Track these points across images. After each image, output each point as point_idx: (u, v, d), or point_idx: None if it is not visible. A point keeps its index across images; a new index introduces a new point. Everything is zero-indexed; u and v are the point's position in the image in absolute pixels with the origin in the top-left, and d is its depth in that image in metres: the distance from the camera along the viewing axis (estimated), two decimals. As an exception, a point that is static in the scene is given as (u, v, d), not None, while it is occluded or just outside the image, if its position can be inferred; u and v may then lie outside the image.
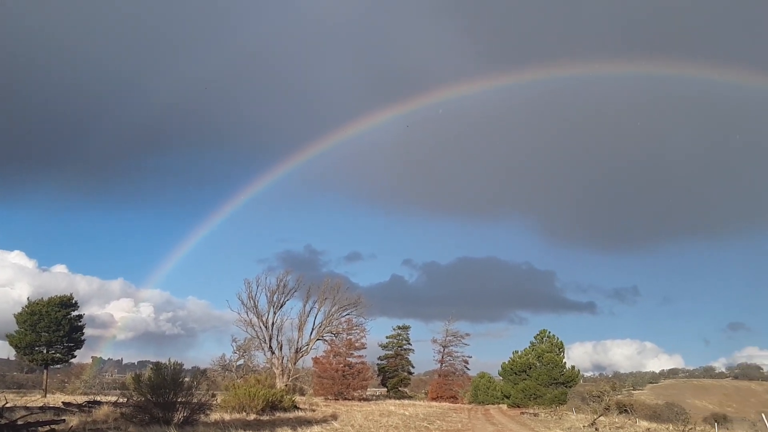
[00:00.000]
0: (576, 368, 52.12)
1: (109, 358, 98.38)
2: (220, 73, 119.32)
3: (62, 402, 31.56)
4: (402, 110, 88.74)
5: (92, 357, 69.76)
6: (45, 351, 45.28)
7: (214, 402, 26.50)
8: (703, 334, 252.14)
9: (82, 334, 47.85)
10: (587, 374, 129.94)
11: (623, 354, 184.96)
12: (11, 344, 45.36)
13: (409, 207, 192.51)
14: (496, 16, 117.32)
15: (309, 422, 24.33)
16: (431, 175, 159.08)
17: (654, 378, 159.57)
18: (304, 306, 58.14)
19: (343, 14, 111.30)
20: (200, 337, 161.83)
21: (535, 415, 40.01)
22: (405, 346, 76.54)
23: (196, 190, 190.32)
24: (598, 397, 41.95)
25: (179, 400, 20.78)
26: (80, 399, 35.84)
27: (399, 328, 77.44)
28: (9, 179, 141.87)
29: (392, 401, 55.86)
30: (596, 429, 27.28)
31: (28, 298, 46.56)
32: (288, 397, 34.79)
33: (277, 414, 29.11)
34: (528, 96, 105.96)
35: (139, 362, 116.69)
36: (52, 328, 44.77)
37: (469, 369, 71.66)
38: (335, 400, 52.52)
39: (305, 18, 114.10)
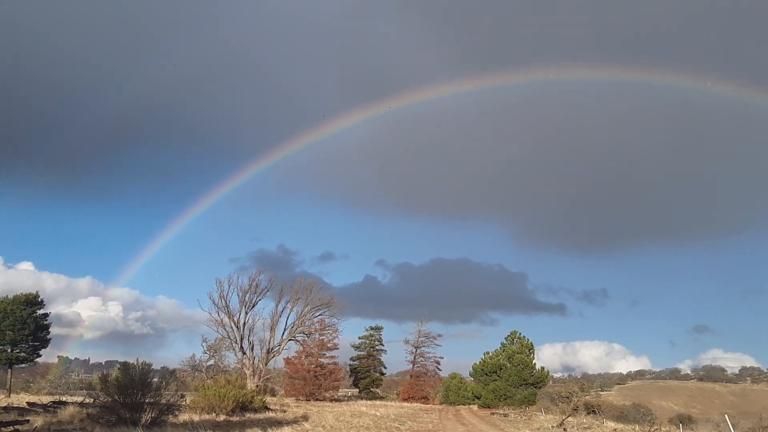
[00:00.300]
0: (545, 369, 52.82)
1: (75, 358, 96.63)
2: (194, 70, 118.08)
3: (27, 402, 30.96)
4: (378, 111, 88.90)
5: (58, 356, 68.59)
6: (9, 350, 44.34)
7: (183, 403, 26.21)
8: (669, 336, 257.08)
9: (48, 333, 46.93)
10: (556, 375, 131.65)
11: (592, 355, 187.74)
12: (-26, 343, 44.30)
13: (383, 207, 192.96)
14: (473, 19, 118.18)
15: (279, 423, 24.22)
16: (406, 176, 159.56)
17: (621, 379, 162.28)
18: (277, 306, 57.94)
19: (320, 14, 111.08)
20: (170, 337, 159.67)
21: (505, 415, 40.40)
22: (377, 347, 76.65)
23: (168, 188, 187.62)
24: (567, 398, 42.55)
25: (147, 400, 20.58)
26: (45, 399, 35.22)
27: (372, 328, 77.59)
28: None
29: (364, 402, 55.87)
30: (564, 429, 27.64)
31: (-8, 296, 45.53)
32: (259, 397, 34.58)
33: (248, 415, 28.92)
34: (502, 100, 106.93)
35: (106, 362, 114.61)
36: (17, 326, 43.87)
37: (440, 370, 72.04)
38: (307, 400, 52.36)
39: (282, 17, 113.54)
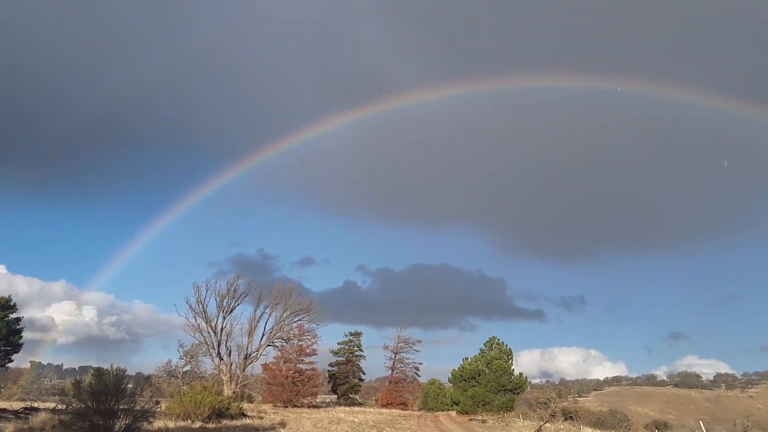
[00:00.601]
0: (524, 375, 52.96)
1: (48, 363, 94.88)
2: (172, 73, 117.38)
3: (-4, 409, 30.25)
4: (357, 116, 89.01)
5: (31, 361, 67.34)
6: (-21, 355, 43.30)
7: (158, 409, 25.82)
8: (645, 342, 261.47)
9: (20, 337, 45.89)
10: (535, 381, 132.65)
11: (569, 361, 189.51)
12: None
13: (363, 213, 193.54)
14: (457, 26, 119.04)
15: (256, 430, 24.02)
16: (387, 182, 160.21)
17: (598, 385, 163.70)
18: (255, 311, 57.39)
19: (303, 18, 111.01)
20: (145, 342, 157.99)
21: (483, 421, 40.51)
22: (356, 353, 76.40)
23: (145, 190, 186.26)
24: (545, 403, 42.86)
25: (121, 407, 20.22)
26: (17, 405, 34.48)
27: (351, 334, 77.32)
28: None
29: (342, 408, 55.60)
30: (542, 435, 27.78)
31: (-38, 300, 44.44)
32: (235, 404, 34.21)
33: (224, 421, 28.61)
34: (483, 107, 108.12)
35: (80, 367, 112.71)
36: (-12, 331, 42.84)
37: (419, 376, 72.07)
38: (284, 407, 51.91)
39: (265, 22, 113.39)
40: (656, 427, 47.22)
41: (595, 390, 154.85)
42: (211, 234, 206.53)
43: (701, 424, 29.53)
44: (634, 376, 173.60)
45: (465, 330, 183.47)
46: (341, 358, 75.80)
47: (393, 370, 71.37)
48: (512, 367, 52.34)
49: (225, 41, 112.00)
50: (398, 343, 71.48)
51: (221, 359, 54.77)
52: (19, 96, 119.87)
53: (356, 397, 75.82)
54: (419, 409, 62.39)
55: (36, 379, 65.24)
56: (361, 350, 76.66)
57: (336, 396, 75.17)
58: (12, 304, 45.32)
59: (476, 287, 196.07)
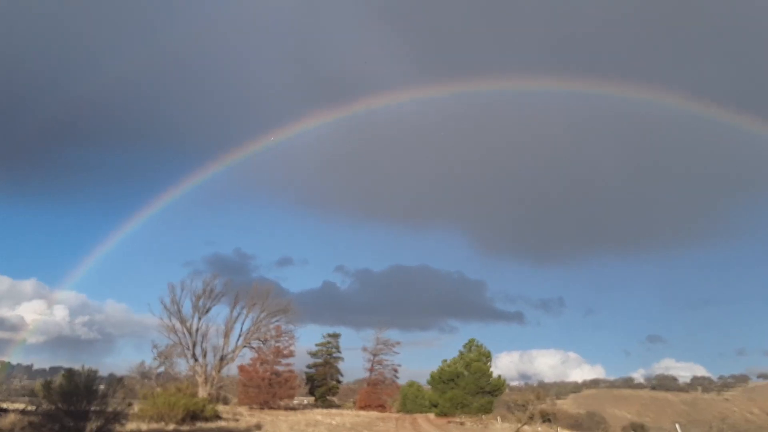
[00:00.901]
0: (502, 377, 53.09)
1: (18, 363, 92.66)
2: (149, 67, 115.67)
3: (-38, 410, 29.31)
4: (336, 115, 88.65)
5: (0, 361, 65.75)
6: (-55, 355, 42.10)
7: (131, 411, 25.22)
8: (623, 345, 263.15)
9: (-11, 337, 44.81)
10: (513, 383, 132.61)
11: (548, 364, 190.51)
12: None
13: (343, 212, 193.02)
14: (433, 28, 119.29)
15: (232, 432, 23.54)
16: (366, 182, 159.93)
17: (576, 388, 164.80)
18: (232, 312, 56.50)
19: (278, 17, 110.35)
20: (118, 343, 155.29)
21: (462, 423, 40.36)
22: (335, 354, 75.88)
23: (119, 187, 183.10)
24: (523, 406, 42.85)
25: (93, 408, 19.81)
26: (-17, 407, 33.44)
27: (329, 335, 76.75)
28: None
29: (320, 410, 55.14)
30: (521, 438, 27.69)
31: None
32: (210, 406, 33.64)
33: (198, 424, 28.09)
34: (461, 108, 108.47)
35: (51, 368, 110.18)
36: (-45, 330, 41.71)
37: (398, 378, 71.78)
38: (261, 409, 51.30)
39: (240, 19, 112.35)
40: (633, 430, 47.61)
41: (573, 392, 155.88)
42: (187, 233, 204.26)
43: (677, 426, 29.70)
44: (611, 379, 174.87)
45: (444, 332, 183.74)
46: (319, 360, 75.21)
47: (371, 372, 71.05)
48: (491, 370, 52.47)
49: (203, 39, 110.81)
50: (377, 344, 71.17)
51: (196, 360, 53.89)
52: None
53: (334, 399, 75.34)
54: (398, 412, 62.15)
55: (5, 379, 63.68)
56: (339, 352, 76.20)
57: (313, 398, 74.58)
58: (-20, 302, 44.16)
59: (456, 289, 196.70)
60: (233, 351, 56.00)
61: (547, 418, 41.22)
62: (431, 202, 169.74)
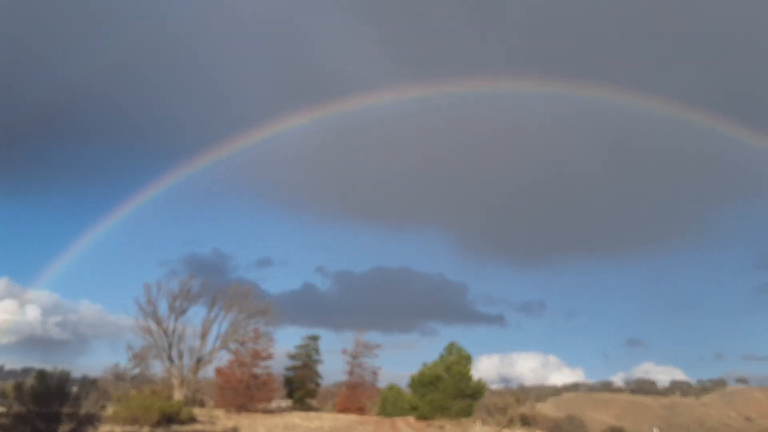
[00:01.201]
0: (482, 381, 53.00)
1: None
2: (128, 67, 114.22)
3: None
4: (317, 115, 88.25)
5: (-32, 364, 64.07)
6: None
7: (105, 414, 24.59)
8: (603, 348, 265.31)
9: (-43, 338, 43.59)
10: (494, 387, 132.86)
11: (528, 367, 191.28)
12: None
13: (324, 213, 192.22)
14: (413, 27, 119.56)
15: (209, 435, 23.05)
16: (347, 182, 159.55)
17: (556, 391, 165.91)
18: (209, 313, 55.65)
19: (261, 15, 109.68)
20: (92, 344, 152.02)
21: (442, 427, 40.20)
22: (314, 357, 75.25)
23: (94, 185, 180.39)
24: (503, 409, 42.82)
25: (65, 411, 19.46)
26: (-50, 410, 32.44)
27: (308, 337, 76.08)
28: None
29: (298, 413, 54.51)
30: (502, 441, 27.55)
31: None
32: (186, 409, 33.07)
33: (174, 427, 27.56)
34: (444, 109, 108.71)
35: (22, 369, 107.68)
36: None
37: (378, 381, 71.37)
38: (238, 412, 50.57)
39: (223, 16, 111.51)
40: (611, 433, 47.95)
41: (553, 396, 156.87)
42: (164, 232, 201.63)
43: (656, 431, 29.79)
44: (591, 382, 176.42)
45: (425, 334, 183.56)
46: (298, 363, 74.52)
47: (351, 375, 70.54)
48: (471, 373, 52.38)
49: (181, 36, 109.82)
50: (357, 347, 70.64)
51: (172, 362, 52.99)
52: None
53: (313, 402, 74.70)
54: (377, 415, 61.78)
55: (-26, 382, 62.01)
56: (318, 354, 75.58)
57: (292, 401, 73.86)
58: (-51, 302, 42.97)
59: (437, 291, 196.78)
60: (210, 353, 55.22)
61: (526, 421, 41.22)
62: (413, 204, 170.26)
